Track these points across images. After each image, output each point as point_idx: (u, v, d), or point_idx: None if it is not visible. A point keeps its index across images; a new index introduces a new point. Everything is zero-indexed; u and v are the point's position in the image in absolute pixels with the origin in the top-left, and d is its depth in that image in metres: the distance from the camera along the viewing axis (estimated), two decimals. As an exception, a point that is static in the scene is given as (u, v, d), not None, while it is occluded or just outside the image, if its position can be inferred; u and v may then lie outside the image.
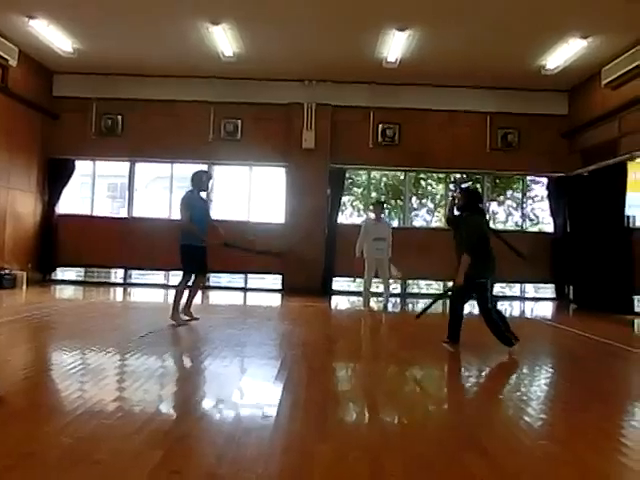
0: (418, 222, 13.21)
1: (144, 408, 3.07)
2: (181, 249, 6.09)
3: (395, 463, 2.41)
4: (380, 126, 10.86)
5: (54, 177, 10.86)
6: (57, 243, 10.82)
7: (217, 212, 9.60)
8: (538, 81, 9.95)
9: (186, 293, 6.27)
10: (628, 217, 9.25)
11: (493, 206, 12.62)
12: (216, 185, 10.98)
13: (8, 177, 9.73)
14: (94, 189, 11.35)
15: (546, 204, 11.37)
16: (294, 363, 4.42)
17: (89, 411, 2.92)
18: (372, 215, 8.79)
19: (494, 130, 10.87)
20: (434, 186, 13.95)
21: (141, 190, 12.28)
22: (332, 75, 10.40)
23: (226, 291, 11.12)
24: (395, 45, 8.62)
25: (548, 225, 11.48)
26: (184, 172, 10.66)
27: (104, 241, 10.73)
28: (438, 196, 13.64)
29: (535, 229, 12.44)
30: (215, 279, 11.54)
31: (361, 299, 8.79)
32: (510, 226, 12.53)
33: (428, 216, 14.12)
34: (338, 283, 11.13)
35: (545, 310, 10.20)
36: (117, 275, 11.77)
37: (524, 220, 12.03)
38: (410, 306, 9.93)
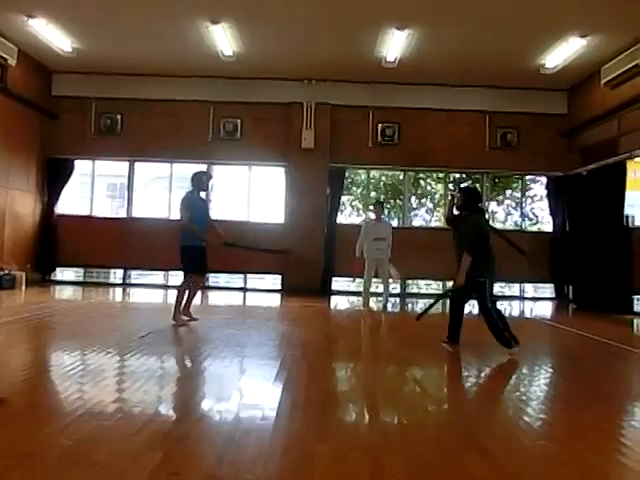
0: (417, 222, 13.19)
1: (144, 409, 3.06)
2: (181, 250, 6.08)
3: (395, 463, 2.41)
4: (379, 125, 10.87)
5: (53, 177, 10.85)
6: (56, 243, 10.81)
7: (216, 212, 9.59)
8: (537, 80, 9.95)
9: (186, 294, 6.27)
10: (627, 216, 9.24)
11: (492, 205, 12.60)
12: (215, 185, 10.97)
13: (7, 177, 9.72)
14: (93, 189, 11.34)
15: (545, 203, 11.38)
16: (294, 363, 4.41)
17: (89, 412, 2.92)
18: (372, 215, 8.79)
19: (493, 129, 10.88)
20: (433, 185, 13.94)
21: (140, 190, 12.28)
22: (331, 74, 10.39)
23: (225, 291, 11.11)
24: (394, 44, 8.62)
25: (547, 224, 11.48)
26: (183, 172, 10.68)
27: (103, 241, 10.72)
28: (437, 195, 13.63)
29: (534, 228, 12.43)
30: (214, 279, 11.53)
31: (361, 299, 8.79)
32: (509, 225, 12.50)
33: (427, 216, 14.11)
34: (338, 283, 11.12)
35: (544, 310, 10.21)
36: (116, 275, 11.76)
37: (523, 219, 12.03)
38: (410, 306, 9.93)
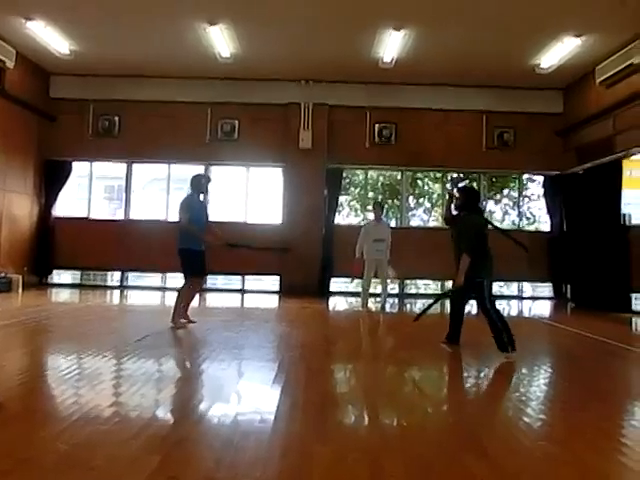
0: (415, 221, 13.19)
1: (141, 413, 3.04)
2: (180, 253, 6.05)
3: (395, 464, 2.40)
4: (377, 126, 10.87)
5: (51, 179, 10.82)
6: (53, 246, 10.77)
7: (214, 213, 9.55)
8: (533, 80, 9.97)
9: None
10: (624, 215, 9.27)
11: (490, 205, 12.62)
12: (213, 186, 10.93)
13: (4, 179, 9.69)
14: (91, 191, 11.31)
15: (542, 203, 11.39)
16: (292, 365, 4.40)
17: (85, 416, 2.90)
18: (372, 216, 8.79)
19: (490, 129, 10.90)
20: (431, 185, 13.95)
21: (138, 192, 12.25)
22: (328, 75, 10.39)
23: (223, 293, 11.09)
24: (391, 45, 8.62)
25: (545, 224, 11.49)
26: (181, 173, 10.67)
27: (101, 243, 10.69)
28: (435, 195, 13.64)
29: (532, 228, 12.44)
30: (212, 281, 11.50)
31: (359, 300, 8.78)
32: (507, 225, 12.51)
33: (425, 215, 14.11)
34: (336, 284, 11.11)
35: (543, 309, 10.22)
36: (114, 278, 11.73)
37: (521, 219, 12.03)
38: (408, 306, 9.93)
